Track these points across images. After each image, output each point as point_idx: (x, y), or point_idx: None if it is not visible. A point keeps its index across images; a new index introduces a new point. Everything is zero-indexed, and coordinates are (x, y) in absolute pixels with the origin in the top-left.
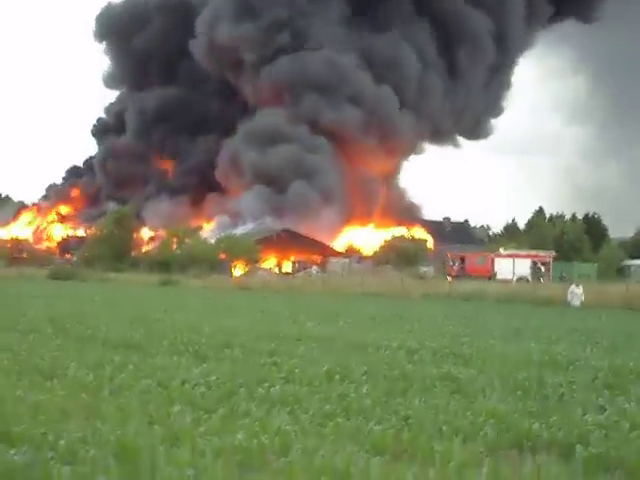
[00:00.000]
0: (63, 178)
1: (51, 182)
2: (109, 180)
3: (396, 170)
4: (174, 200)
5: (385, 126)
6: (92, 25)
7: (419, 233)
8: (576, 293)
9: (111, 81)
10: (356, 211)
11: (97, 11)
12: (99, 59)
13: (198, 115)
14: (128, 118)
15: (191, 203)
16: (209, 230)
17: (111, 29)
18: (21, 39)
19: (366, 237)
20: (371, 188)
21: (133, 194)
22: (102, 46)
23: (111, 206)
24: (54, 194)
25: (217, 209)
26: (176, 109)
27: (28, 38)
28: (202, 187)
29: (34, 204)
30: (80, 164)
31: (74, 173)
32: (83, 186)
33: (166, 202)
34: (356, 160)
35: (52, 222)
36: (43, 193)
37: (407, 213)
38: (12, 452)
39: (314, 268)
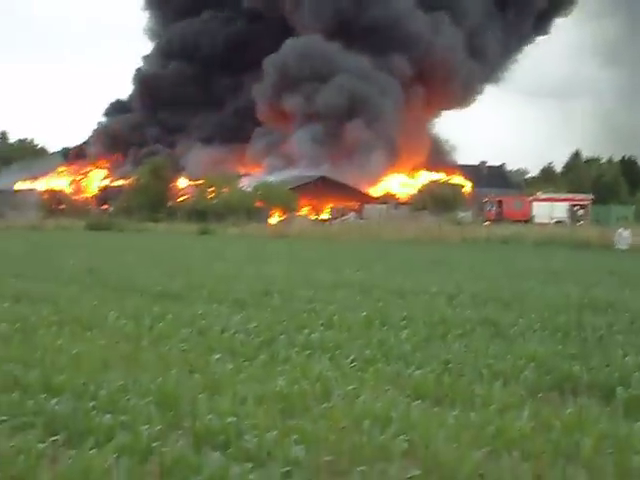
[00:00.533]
0: (105, 114)
1: (96, 123)
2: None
3: (435, 115)
4: (217, 145)
5: (449, 70)
6: None
7: (456, 178)
8: (624, 236)
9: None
10: (402, 157)
11: None
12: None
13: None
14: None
15: (237, 147)
16: (256, 174)
17: None
18: None
19: (404, 183)
20: (419, 134)
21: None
22: None
23: (157, 148)
24: (96, 138)
25: (265, 151)
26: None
27: None
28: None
29: (72, 152)
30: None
31: (117, 109)
32: (125, 124)
33: (209, 148)
34: (410, 104)
35: (89, 172)
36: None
37: (444, 158)
38: (54, 402)
39: (352, 214)
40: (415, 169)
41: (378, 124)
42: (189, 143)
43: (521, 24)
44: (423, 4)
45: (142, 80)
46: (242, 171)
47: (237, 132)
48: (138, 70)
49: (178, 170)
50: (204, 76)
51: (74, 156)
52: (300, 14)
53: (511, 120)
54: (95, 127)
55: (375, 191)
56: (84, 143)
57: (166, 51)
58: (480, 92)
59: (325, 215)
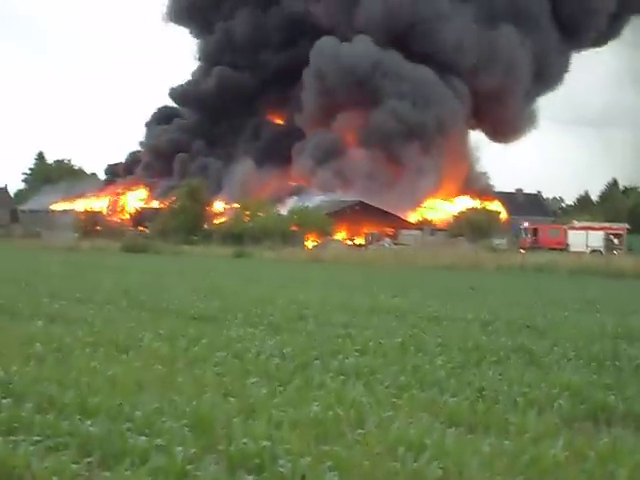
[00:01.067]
0: (147, 124)
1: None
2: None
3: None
4: (264, 160)
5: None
6: None
7: (492, 205)
8: None
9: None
10: (444, 183)
11: None
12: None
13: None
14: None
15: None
16: (307, 189)
17: None
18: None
19: (441, 209)
20: (462, 159)
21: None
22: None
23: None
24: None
25: (314, 164)
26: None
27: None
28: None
29: (111, 170)
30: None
31: (159, 119)
32: (169, 138)
33: (253, 164)
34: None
35: (126, 192)
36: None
37: (480, 185)
38: (89, 423)
39: (386, 240)
40: (453, 194)
41: (432, 148)
42: (236, 158)
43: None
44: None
45: (187, 93)
46: (292, 183)
47: (281, 149)
48: (181, 85)
49: (218, 189)
50: (252, 87)
51: (113, 175)
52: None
53: (548, 148)
54: (138, 144)
55: (412, 216)
56: (125, 162)
57: (213, 58)
58: (535, 125)
59: (360, 240)
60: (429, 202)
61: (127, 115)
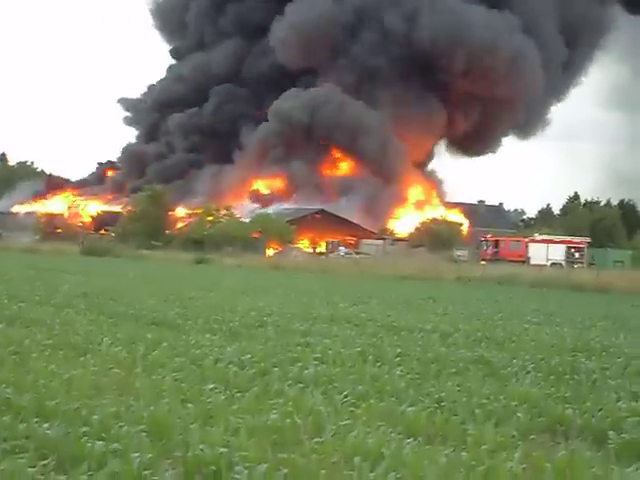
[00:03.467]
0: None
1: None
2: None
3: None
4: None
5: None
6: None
7: (453, 216)
8: None
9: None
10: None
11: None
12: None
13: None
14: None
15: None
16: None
17: None
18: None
19: (402, 219)
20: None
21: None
22: None
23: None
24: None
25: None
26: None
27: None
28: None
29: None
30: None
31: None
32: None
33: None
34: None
35: (88, 198)
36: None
37: (442, 195)
38: (46, 426)
39: (342, 249)
40: (417, 205)
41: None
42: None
43: None
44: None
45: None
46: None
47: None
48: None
49: (182, 196)
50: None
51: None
52: None
53: (511, 160)
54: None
55: (374, 226)
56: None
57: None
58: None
59: (321, 248)
60: (395, 213)
61: (93, 118)
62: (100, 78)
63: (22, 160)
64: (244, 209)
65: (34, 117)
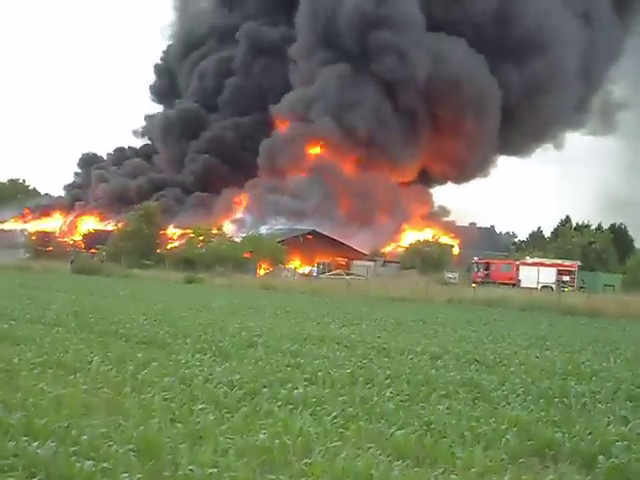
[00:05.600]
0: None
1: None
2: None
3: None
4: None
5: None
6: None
7: (445, 238)
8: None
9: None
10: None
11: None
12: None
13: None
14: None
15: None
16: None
17: None
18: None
19: (393, 241)
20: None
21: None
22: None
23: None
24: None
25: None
26: None
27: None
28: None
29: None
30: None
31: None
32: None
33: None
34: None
35: (80, 216)
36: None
37: (436, 217)
38: (35, 445)
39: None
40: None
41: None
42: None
43: None
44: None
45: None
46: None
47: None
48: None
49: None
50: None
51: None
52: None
53: (502, 183)
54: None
55: (366, 247)
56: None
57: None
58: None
59: (311, 269)
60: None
61: (83, 135)
62: (93, 94)
63: (13, 177)
64: (235, 228)
65: (26, 134)
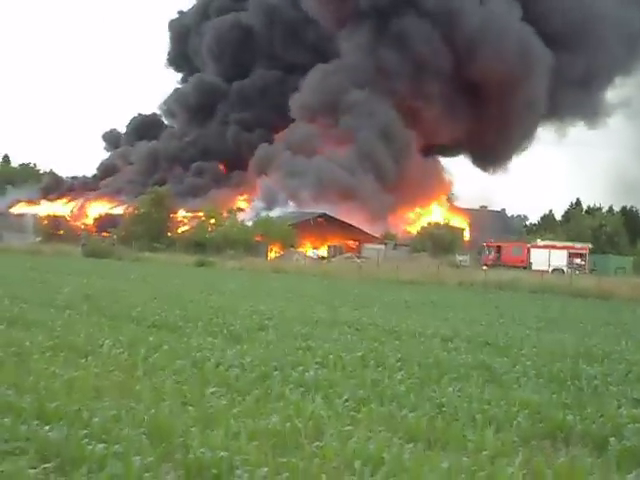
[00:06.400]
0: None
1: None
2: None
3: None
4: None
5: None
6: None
7: (456, 221)
8: None
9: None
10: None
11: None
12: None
13: None
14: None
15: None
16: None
17: None
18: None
19: (405, 223)
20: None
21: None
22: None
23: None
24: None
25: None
26: None
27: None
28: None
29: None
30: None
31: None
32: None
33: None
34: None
35: (92, 199)
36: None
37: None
38: (47, 428)
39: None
40: (422, 205)
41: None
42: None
43: None
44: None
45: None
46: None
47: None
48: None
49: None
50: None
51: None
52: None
53: (514, 166)
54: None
55: (376, 230)
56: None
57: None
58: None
59: (322, 252)
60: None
61: (95, 122)
62: (104, 81)
63: (24, 162)
64: (247, 212)
65: (37, 119)
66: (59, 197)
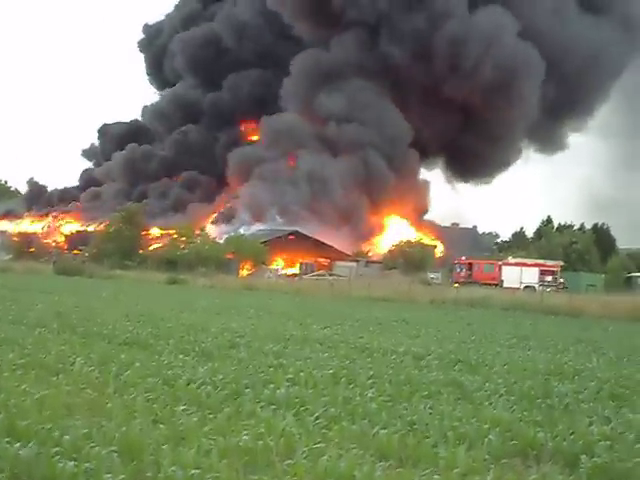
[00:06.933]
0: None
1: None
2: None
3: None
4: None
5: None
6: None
7: (427, 238)
8: None
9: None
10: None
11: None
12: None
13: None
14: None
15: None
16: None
17: None
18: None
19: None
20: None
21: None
22: None
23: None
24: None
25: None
26: None
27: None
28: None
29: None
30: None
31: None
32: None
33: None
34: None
35: (62, 218)
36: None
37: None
38: (17, 446)
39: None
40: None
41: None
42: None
43: None
44: None
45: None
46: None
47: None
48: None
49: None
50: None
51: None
52: None
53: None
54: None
55: (349, 248)
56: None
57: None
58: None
59: (293, 270)
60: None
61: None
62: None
63: None
64: (218, 230)
65: (6, 136)
66: (36, 213)
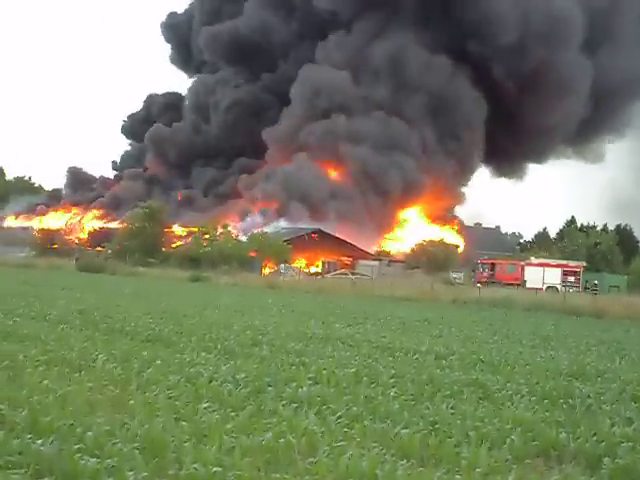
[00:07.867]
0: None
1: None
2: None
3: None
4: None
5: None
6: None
7: (451, 238)
8: None
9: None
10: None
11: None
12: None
13: None
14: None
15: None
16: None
17: None
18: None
19: (399, 239)
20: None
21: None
22: None
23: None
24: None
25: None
26: None
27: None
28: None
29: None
30: None
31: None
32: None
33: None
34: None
35: (85, 213)
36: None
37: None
38: (40, 442)
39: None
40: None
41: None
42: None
43: None
44: None
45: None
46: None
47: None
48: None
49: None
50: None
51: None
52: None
53: (509, 183)
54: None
55: (371, 247)
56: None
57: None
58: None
59: (317, 268)
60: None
61: (92, 133)
62: (97, 93)
63: (19, 175)
64: (241, 227)
65: (32, 132)
66: (57, 209)
